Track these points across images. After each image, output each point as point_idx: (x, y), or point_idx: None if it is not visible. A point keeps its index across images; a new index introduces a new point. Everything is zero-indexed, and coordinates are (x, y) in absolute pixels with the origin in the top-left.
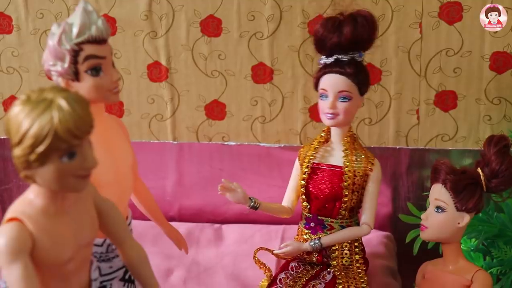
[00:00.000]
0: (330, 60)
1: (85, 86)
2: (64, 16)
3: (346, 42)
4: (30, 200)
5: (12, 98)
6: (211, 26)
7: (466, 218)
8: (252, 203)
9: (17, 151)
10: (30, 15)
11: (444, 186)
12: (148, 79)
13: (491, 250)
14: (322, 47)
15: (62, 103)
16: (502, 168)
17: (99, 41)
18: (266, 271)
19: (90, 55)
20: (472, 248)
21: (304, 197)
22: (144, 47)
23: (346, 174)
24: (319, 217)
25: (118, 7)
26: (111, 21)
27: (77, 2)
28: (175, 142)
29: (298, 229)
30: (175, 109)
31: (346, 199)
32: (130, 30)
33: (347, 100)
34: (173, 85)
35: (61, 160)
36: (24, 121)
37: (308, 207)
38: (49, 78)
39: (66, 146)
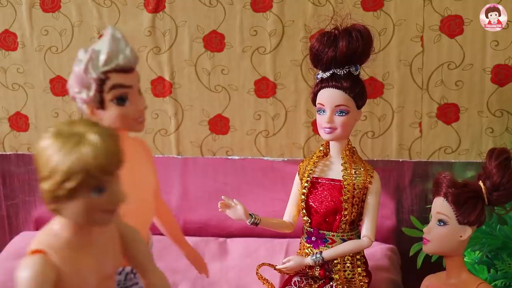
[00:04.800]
0: (327, 74)
1: (110, 114)
2: (68, 32)
3: (341, 56)
4: (55, 232)
5: (18, 114)
6: (214, 42)
7: (468, 231)
8: (252, 219)
9: (45, 185)
10: (34, 32)
11: (446, 200)
12: (152, 94)
13: (495, 263)
14: (318, 61)
15: (94, 138)
16: (503, 181)
17: (126, 70)
18: (269, 286)
19: (116, 85)
20: (476, 261)
21: (304, 211)
22: (147, 63)
23: (345, 188)
24: (320, 231)
25: (121, 23)
26: None
27: (81, 18)
28: (179, 157)
29: (300, 243)
30: (179, 124)
31: (346, 213)
32: (134, 46)
33: (344, 114)
34: (177, 100)
35: (90, 195)
36: (54, 155)
37: (309, 221)
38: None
39: (97, 182)
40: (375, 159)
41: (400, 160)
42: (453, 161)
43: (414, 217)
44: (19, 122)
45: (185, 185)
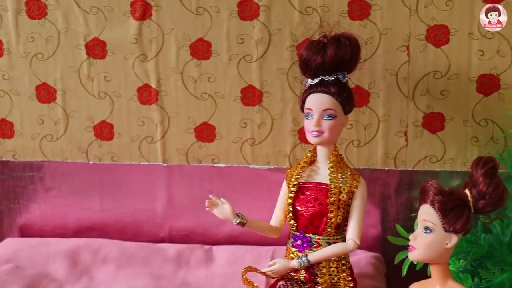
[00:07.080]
0: (315, 81)
1: None
2: (54, 39)
3: (330, 62)
4: None
5: (3, 121)
6: (201, 49)
7: (454, 239)
8: (239, 219)
9: None
10: (21, 38)
11: (432, 207)
12: (138, 101)
13: (479, 271)
14: (307, 68)
15: None
16: (490, 189)
17: None
18: None
19: None
20: (460, 269)
21: (291, 215)
22: (134, 70)
23: (331, 191)
24: (306, 234)
25: (108, 31)
26: (101, 45)
27: (67, 25)
28: (165, 164)
29: (287, 249)
30: (165, 131)
31: (332, 215)
32: (120, 53)
33: (331, 118)
34: (163, 108)
35: None
36: None
37: (295, 225)
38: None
39: None
40: (360, 168)
41: (386, 168)
42: (438, 170)
43: (399, 225)
44: (4, 129)
45: (170, 193)
